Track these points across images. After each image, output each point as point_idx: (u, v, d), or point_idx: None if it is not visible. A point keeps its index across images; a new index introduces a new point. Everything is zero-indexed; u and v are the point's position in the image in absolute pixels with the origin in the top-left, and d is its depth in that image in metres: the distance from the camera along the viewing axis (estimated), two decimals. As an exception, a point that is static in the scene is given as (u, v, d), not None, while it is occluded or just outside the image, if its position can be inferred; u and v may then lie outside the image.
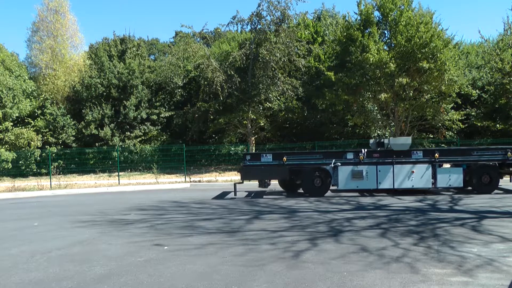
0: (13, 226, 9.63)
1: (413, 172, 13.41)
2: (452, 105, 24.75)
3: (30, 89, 28.87)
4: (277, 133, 29.71)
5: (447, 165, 14.27)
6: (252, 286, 4.97)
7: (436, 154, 13.47)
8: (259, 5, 23.22)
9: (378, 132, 27.31)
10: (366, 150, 13.81)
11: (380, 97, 21.22)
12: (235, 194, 14.24)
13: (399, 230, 7.91)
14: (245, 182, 15.14)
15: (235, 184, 14.35)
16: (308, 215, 10.01)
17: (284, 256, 6.24)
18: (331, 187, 14.10)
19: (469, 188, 14.08)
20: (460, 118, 24.57)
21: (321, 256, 6.16)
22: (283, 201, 12.77)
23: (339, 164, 13.62)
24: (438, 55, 20.03)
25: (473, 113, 27.02)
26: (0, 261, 6.48)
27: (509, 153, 13.41)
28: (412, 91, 21.53)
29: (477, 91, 26.95)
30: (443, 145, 25.78)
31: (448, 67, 20.32)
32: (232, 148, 27.94)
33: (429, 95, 21.96)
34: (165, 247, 6.99)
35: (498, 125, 26.10)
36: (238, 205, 12.17)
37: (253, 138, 26.34)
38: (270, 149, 26.90)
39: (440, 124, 25.34)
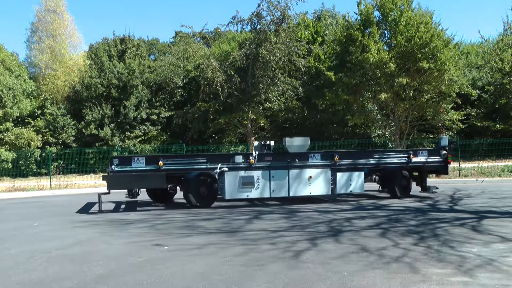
0: (13, 226, 9.61)
1: (310, 177, 11.96)
2: (452, 105, 24.75)
3: (30, 89, 28.86)
4: (277, 133, 29.70)
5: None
6: (252, 286, 4.97)
7: (336, 157, 12.22)
8: (259, 5, 23.22)
9: (378, 132, 27.32)
10: (257, 152, 12.03)
11: (380, 97, 21.23)
12: (99, 207, 11.35)
13: (399, 230, 7.91)
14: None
15: (99, 195, 11.45)
16: (308, 215, 10.02)
17: (284, 256, 6.23)
18: (219, 196, 12.13)
19: (373, 193, 13.86)
20: (460, 118, 24.58)
21: (321, 256, 6.16)
22: (283, 201, 12.77)
23: (226, 169, 11.59)
24: (438, 55, 20.04)
25: (473, 113, 27.04)
26: (0, 261, 6.47)
27: (411, 155, 12.80)
28: (412, 91, 21.54)
29: (477, 91, 26.96)
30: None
31: (448, 67, 20.33)
32: (232, 148, 27.92)
33: (429, 95, 21.96)
34: (165, 247, 6.98)
35: (498, 125, 26.14)
36: (238, 204, 12.17)
37: (253, 138, 26.34)
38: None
39: (440, 124, 25.36)
